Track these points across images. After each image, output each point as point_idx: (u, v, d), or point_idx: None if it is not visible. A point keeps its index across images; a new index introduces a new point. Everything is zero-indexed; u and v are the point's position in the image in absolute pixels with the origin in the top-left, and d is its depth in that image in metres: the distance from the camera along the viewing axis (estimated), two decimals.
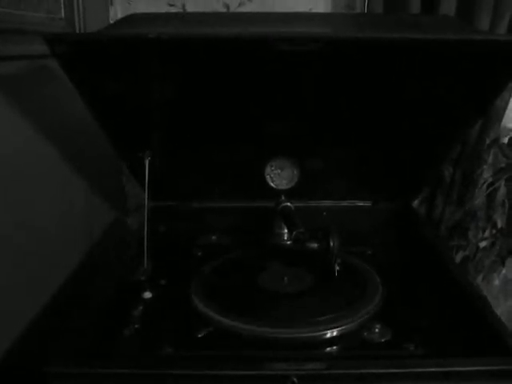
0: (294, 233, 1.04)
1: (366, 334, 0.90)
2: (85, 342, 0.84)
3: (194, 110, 1.12)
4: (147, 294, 1.02)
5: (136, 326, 0.92)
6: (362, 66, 0.98)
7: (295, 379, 0.73)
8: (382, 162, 1.25)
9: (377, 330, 0.91)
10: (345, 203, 1.34)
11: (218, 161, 1.22)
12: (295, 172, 1.28)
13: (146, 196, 1.13)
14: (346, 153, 1.23)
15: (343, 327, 0.90)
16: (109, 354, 0.86)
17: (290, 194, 1.23)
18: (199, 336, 0.90)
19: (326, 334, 0.89)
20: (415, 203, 1.45)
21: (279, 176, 1.28)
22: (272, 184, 1.28)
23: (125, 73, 0.98)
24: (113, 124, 1.09)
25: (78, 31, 1.31)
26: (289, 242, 1.20)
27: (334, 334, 0.89)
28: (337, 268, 1.02)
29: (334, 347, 0.89)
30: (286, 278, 1.04)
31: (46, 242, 1.18)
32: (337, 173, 1.27)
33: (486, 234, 1.54)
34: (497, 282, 1.58)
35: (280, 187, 1.28)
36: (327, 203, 1.33)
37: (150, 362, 0.79)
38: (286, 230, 1.18)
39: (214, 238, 1.28)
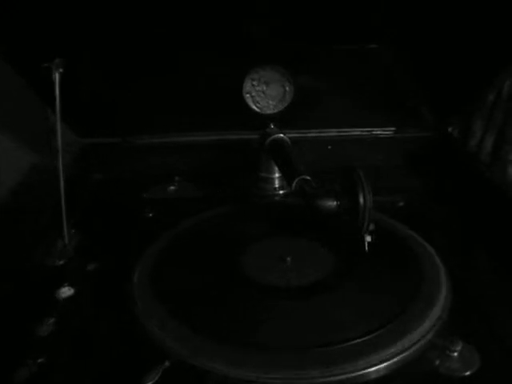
0: (296, 181, 0.72)
1: (438, 361, 0.54)
2: None
3: None
4: (65, 291, 0.70)
5: (39, 359, 0.58)
6: None
7: None
8: (407, 71, 0.99)
9: (455, 354, 0.54)
10: (357, 132, 1.07)
11: (175, 75, 0.97)
12: (287, 88, 1.00)
13: (59, 129, 0.79)
14: (358, 58, 0.98)
15: (399, 357, 0.53)
16: None
17: (281, 120, 0.98)
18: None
19: (367, 373, 0.52)
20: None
21: (264, 95, 1.01)
22: (254, 107, 1.01)
23: None
24: None
25: None
26: (282, 192, 0.94)
27: (382, 372, 0.52)
28: (367, 239, 0.66)
29: None
30: (288, 260, 0.67)
31: None
32: (345, 89, 1.02)
33: None
34: None
35: (266, 111, 1.02)
36: (333, 133, 1.07)
37: None
38: (277, 175, 0.94)
39: (171, 188, 0.99)
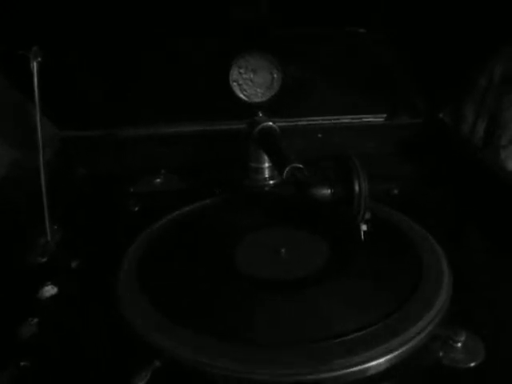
0: (287, 169, 0.68)
1: (441, 353, 0.51)
2: None
3: None
4: (48, 290, 0.67)
5: (22, 362, 0.55)
6: None
7: None
8: (398, 57, 0.97)
9: (459, 345, 0.51)
10: (348, 119, 1.05)
11: (160, 65, 0.94)
12: (275, 76, 0.97)
13: (39, 122, 0.75)
14: (348, 45, 0.95)
15: (401, 349, 0.50)
16: None
17: (270, 109, 0.94)
18: None
19: (369, 366, 0.49)
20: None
21: (252, 83, 0.98)
22: (242, 95, 0.98)
23: None
24: None
25: None
26: (272, 182, 0.90)
27: (383, 366, 0.50)
28: (363, 228, 0.63)
29: None
30: (283, 251, 0.64)
31: None
32: (334, 76, 0.99)
33: None
34: None
35: (254, 100, 0.99)
36: (323, 120, 1.04)
37: None
38: (267, 164, 0.89)
39: (157, 181, 0.97)
